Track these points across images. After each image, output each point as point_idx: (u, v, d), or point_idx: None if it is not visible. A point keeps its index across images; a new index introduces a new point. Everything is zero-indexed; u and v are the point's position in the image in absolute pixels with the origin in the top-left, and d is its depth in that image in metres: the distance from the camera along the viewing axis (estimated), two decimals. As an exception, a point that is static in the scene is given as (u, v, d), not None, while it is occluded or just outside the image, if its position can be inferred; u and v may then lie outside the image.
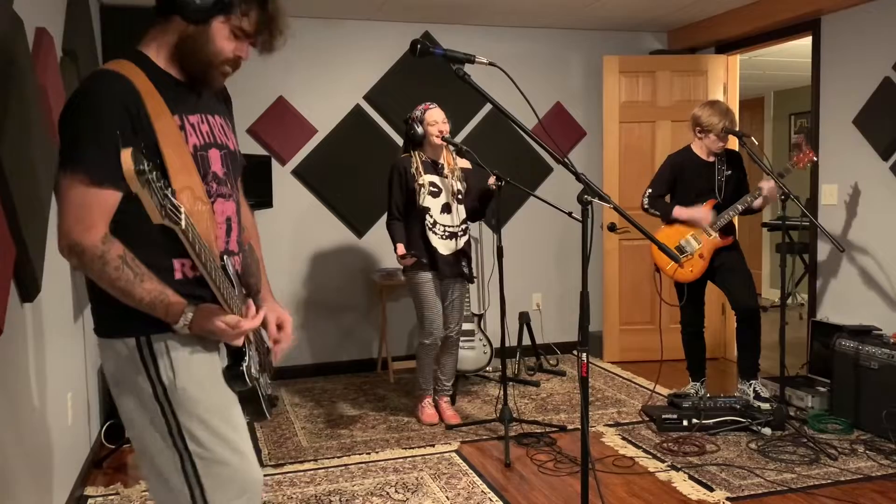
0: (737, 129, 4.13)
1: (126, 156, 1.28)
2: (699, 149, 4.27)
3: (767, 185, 4.06)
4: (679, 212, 4.22)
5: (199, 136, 1.70)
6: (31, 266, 2.50)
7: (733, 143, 4.65)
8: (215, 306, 1.64)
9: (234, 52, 1.70)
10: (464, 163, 4.18)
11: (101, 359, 1.75)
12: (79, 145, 1.55)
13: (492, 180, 3.80)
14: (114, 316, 1.63)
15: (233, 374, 1.71)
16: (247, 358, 1.72)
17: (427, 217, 4.01)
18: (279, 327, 1.95)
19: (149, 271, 1.59)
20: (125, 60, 1.64)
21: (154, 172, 1.32)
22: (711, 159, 4.26)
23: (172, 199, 1.37)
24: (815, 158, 4.19)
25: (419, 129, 4.00)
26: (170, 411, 1.67)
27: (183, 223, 1.42)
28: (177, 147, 1.62)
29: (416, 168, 4.01)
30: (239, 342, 1.70)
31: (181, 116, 1.66)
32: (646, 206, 4.30)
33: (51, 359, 2.87)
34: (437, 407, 4.27)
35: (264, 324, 1.93)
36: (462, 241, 4.11)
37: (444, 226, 4.04)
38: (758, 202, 4.15)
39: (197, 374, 1.69)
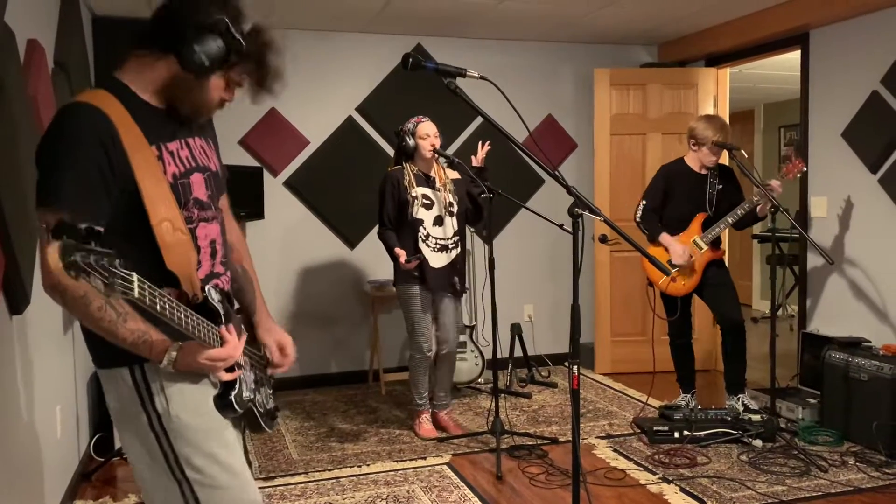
0: (726, 142, 4.14)
1: (52, 251, 1.18)
2: (692, 161, 4.29)
3: (775, 182, 3.98)
4: (664, 238, 4.25)
5: (179, 164, 1.68)
6: (21, 278, 2.50)
7: (725, 157, 4.67)
8: (196, 343, 1.61)
9: (223, 97, 1.74)
10: (453, 174, 4.18)
11: (103, 389, 1.74)
12: (56, 182, 1.52)
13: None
14: (106, 347, 1.61)
15: (223, 404, 1.70)
16: (237, 385, 1.71)
17: (420, 229, 4.01)
18: (280, 350, 1.94)
19: (132, 310, 1.56)
20: (102, 91, 1.62)
21: (90, 256, 1.22)
22: (704, 172, 4.28)
23: (120, 270, 1.29)
24: (804, 169, 4.21)
25: (411, 142, 4.01)
26: (165, 440, 1.66)
27: (136, 292, 1.34)
28: (155, 179, 1.61)
29: (409, 181, 4.01)
30: (226, 375, 1.69)
31: (159, 146, 1.65)
32: (638, 220, 4.32)
33: (40, 371, 2.85)
34: (437, 420, 4.26)
35: (261, 343, 1.93)
36: (454, 254, 4.11)
37: (437, 238, 4.05)
38: (761, 207, 4.07)
39: (190, 401, 1.68)
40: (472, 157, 4.12)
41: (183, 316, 1.52)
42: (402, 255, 3.94)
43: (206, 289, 1.69)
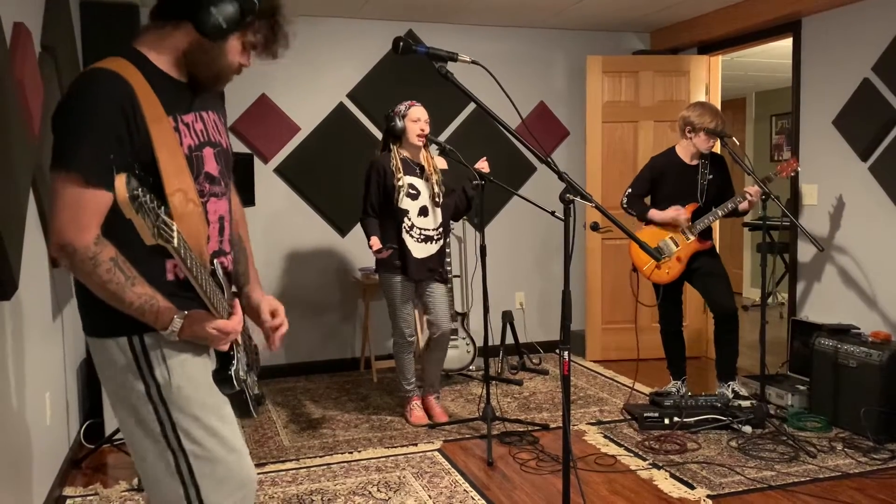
0: (722, 129, 4.13)
1: (120, 182, 1.26)
2: (683, 151, 4.29)
3: (755, 188, 4.06)
4: (654, 214, 4.26)
5: (194, 137, 1.70)
6: (8, 263, 2.47)
7: (716, 145, 4.66)
8: (204, 312, 1.63)
9: (241, 62, 1.74)
10: (441, 163, 4.16)
11: (93, 359, 1.73)
12: (73, 145, 1.53)
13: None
14: (105, 315, 1.61)
15: (221, 378, 1.71)
16: (235, 361, 1.72)
17: (405, 220, 4.00)
18: (273, 315, 1.95)
19: (140, 276, 1.57)
20: (122, 59, 1.62)
21: (147, 195, 1.30)
22: (695, 162, 4.28)
23: (165, 217, 1.36)
24: (798, 168, 4.21)
25: (399, 123, 3.98)
26: (164, 410, 1.66)
27: (175, 241, 1.41)
28: (171, 149, 1.61)
29: (396, 166, 3.99)
30: (227, 347, 1.70)
31: (175, 117, 1.66)
32: (624, 206, 4.33)
33: (29, 358, 2.83)
34: (425, 404, 4.26)
35: (259, 315, 1.93)
36: (437, 245, 4.09)
37: (421, 229, 4.03)
38: (743, 205, 4.16)
39: (191, 373, 1.68)
40: (482, 162, 4.02)
41: (204, 279, 1.55)
42: (376, 245, 3.93)
43: (214, 262, 1.70)
